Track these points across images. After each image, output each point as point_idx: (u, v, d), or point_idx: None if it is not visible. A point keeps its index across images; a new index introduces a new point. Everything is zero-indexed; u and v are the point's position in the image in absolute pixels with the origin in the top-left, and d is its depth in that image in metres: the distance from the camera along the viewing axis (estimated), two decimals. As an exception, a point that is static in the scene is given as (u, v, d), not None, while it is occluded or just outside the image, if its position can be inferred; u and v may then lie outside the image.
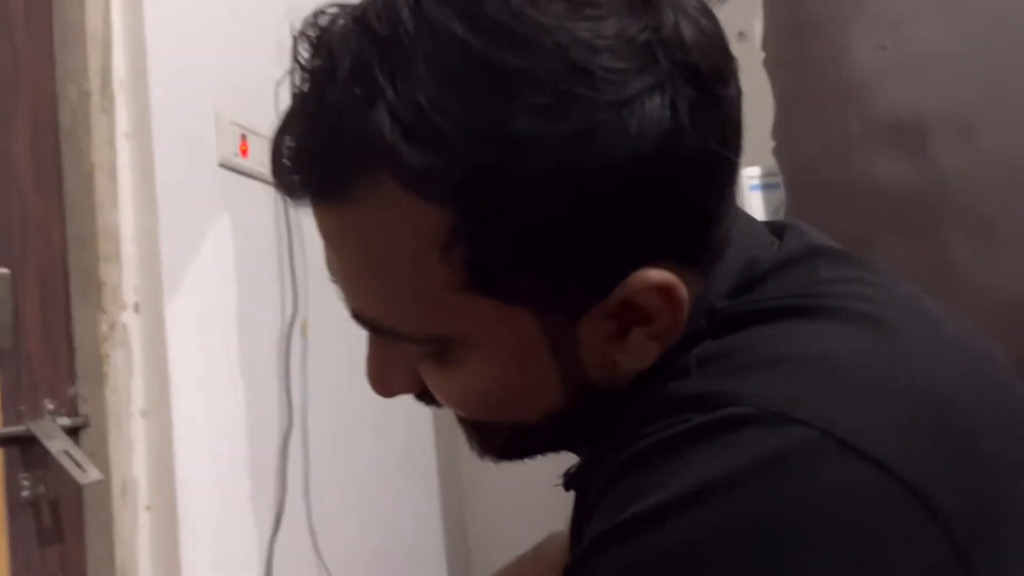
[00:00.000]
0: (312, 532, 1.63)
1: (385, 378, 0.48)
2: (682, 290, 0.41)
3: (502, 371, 0.44)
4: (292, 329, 1.67)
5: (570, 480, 0.55)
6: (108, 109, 1.37)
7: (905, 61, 1.54)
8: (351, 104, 0.39)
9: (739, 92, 0.43)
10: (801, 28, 1.68)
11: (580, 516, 0.52)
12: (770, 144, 1.67)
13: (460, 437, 1.93)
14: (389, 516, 1.90)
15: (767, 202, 1.77)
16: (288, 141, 0.43)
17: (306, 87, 0.42)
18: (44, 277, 1.31)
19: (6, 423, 1.21)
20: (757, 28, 1.74)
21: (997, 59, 1.41)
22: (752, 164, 1.72)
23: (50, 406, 1.28)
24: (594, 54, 0.38)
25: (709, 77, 0.40)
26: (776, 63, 1.66)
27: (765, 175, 1.79)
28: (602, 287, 0.41)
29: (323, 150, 0.41)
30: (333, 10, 0.42)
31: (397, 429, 2.02)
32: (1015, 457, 0.40)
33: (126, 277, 1.35)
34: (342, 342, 1.83)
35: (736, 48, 1.85)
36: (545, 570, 0.78)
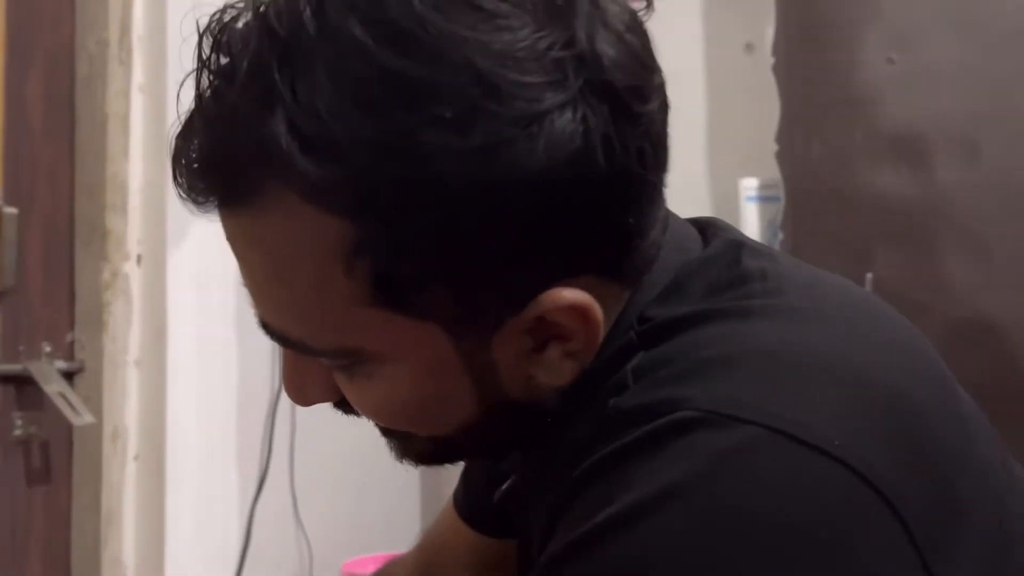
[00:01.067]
0: (294, 495, 1.65)
1: (302, 388, 0.47)
2: (596, 311, 0.41)
3: (415, 385, 0.43)
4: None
5: (504, 499, 0.55)
6: (125, 61, 1.39)
7: (913, 75, 1.56)
8: (248, 109, 0.38)
9: (663, 106, 0.42)
10: (813, 36, 1.70)
11: (525, 532, 0.52)
12: (771, 156, 1.70)
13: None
14: (369, 487, 1.93)
15: (762, 214, 1.80)
16: (190, 143, 0.40)
17: (207, 87, 0.40)
18: (49, 222, 1.33)
19: (5, 360, 1.23)
20: (767, 37, 1.77)
21: (1004, 78, 1.44)
22: (750, 175, 1.74)
23: (48, 349, 1.30)
24: (503, 68, 0.37)
25: (625, 94, 0.39)
26: (786, 69, 1.68)
27: (763, 187, 1.81)
28: (514, 305, 0.40)
29: (222, 156, 0.39)
30: (240, 5, 0.40)
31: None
32: (958, 442, 0.41)
33: (131, 228, 1.37)
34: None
35: (743, 60, 1.88)
36: None
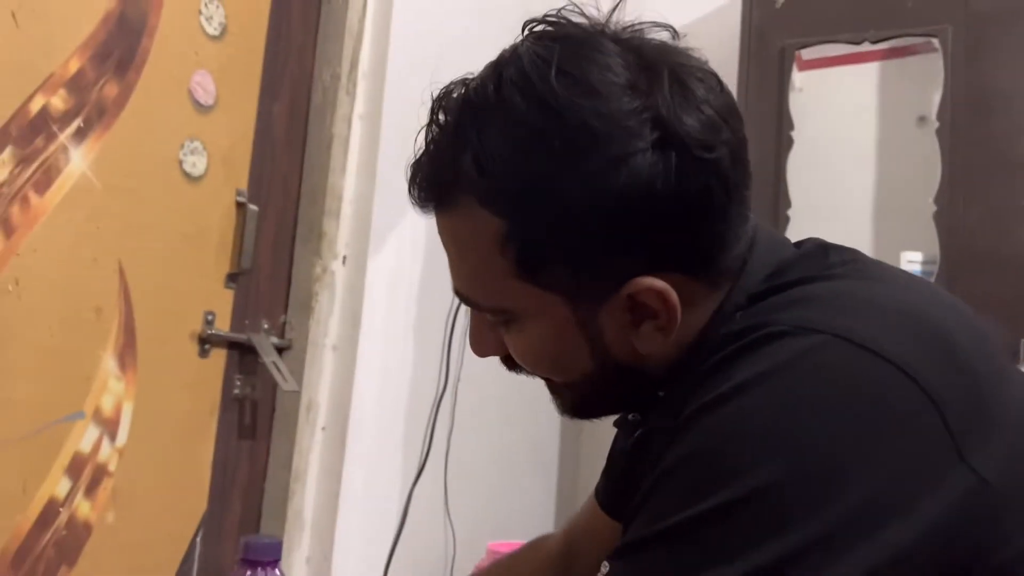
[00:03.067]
0: (446, 488, 1.82)
1: (480, 343, 0.65)
2: (673, 296, 0.56)
3: (546, 340, 0.60)
4: (460, 307, 1.88)
5: (625, 423, 0.70)
6: (351, 92, 1.63)
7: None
8: (452, 150, 0.58)
9: (733, 153, 0.57)
10: (979, 103, 1.76)
11: (647, 456, 0.65)
12: (935, 231, 1.74)
13: (581, 441, 2.10)
14: (510, 494, 2.07)
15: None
16: (418, 172, 0.61)
17: (430, 135, 0.61)
18: (279, 220, 1.57)
19: (233, 330, 1.47)
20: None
21: None
22: (914, 248, 1.77)
23: (266, 325, 1.53)
24: (604, 125, 0.54)
25: (693, 146, 0.55)
26: (950, 134, 1.74)
27: (926, 261, 1.83)
28: (612, 286, 0.57)
29: (435, 179, 0.60)
30: (457, 84, 0.61)
31: (529, 422, 2.19)
32: (992, 377, 0.52)
33: (341, 232, 1.60)
34: (497, 330, 2.03)
35: (914, 131, 1.93)
36: (539, 562, 0.89)
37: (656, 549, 0.49)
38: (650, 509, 0.51)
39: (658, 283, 0.56)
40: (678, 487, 0.50)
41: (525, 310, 0.60)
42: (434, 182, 0.60)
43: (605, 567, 0.52)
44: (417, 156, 0.61)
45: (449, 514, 1.84)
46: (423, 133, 0.61)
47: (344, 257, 1.61)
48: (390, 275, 1.66)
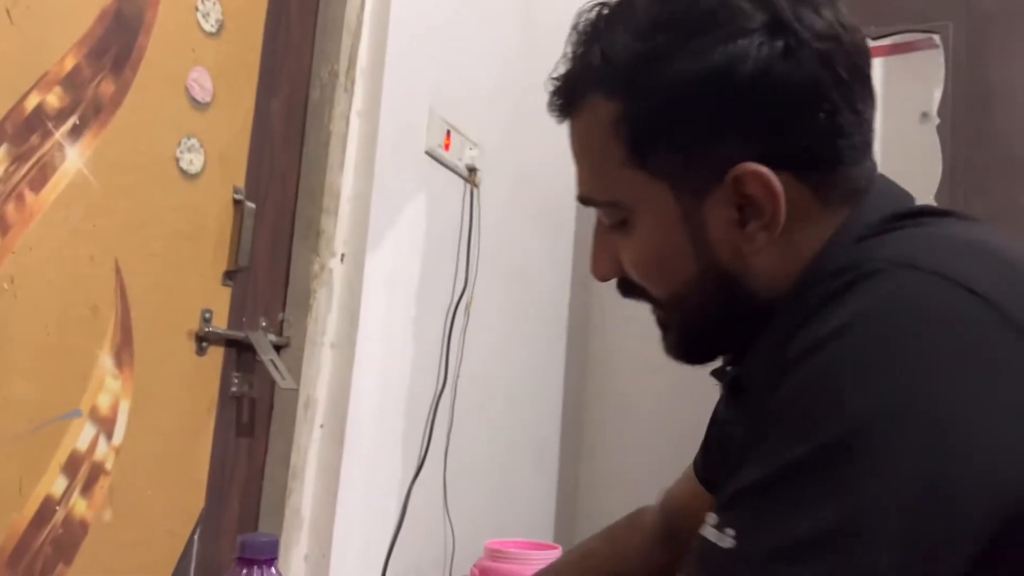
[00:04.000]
0: (445, 486, 1.82)
1: (599, 262, 0.67)
2: (776, 184, 0.57)
3: (653, 237, 0.62)
4: (458, 306, 1.88)
5: (724, 374, 0.70)
6: (349, 89, 1.63)
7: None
8: (581, 48, 0.63)
9: (845, 57, 0.58)
10: (982, 100, 1.76)
11: (739, 400, 0.66)
12: None
13: (583, 439, 2.11)
14: (510, 492, 2.07)
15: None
16: (554, 81, 0.65)
17: (568, 45, 0.64)
18: (277, 217, 1.57)
19: (231, 327, 1.46)
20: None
21: None
22: None
23: (263, 323, 1.53)
24: (720, 4, 0.57)
25: (804, 35, 0.57)
26: (951, 130, 1.74)
27: None
28: (717, 174, 0.58)
29: (566, 80, 0.64)
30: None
31: (530, 420, 2.19)
32: None
33: (339, 230, 1.60)
34: (496, 329, 2.03)
35: (917, 127, 1.94)
36: (642, 536, 0.90)
37: (761, 497, 0.50)
38: (754, 457, 0.51)
39: (762, 169, 0.57)
40: (780, 434, 0.50)
41: (635, 203, 0.62)
42: (566, 83, 0.63)
43: (712, 518, 0.52)
44: (556, 69, 0.65)
45: (448, 512, 1.84)
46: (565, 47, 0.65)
47: (342, 255, 1.61)
48: (388, 273, 1.65)
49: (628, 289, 0.67)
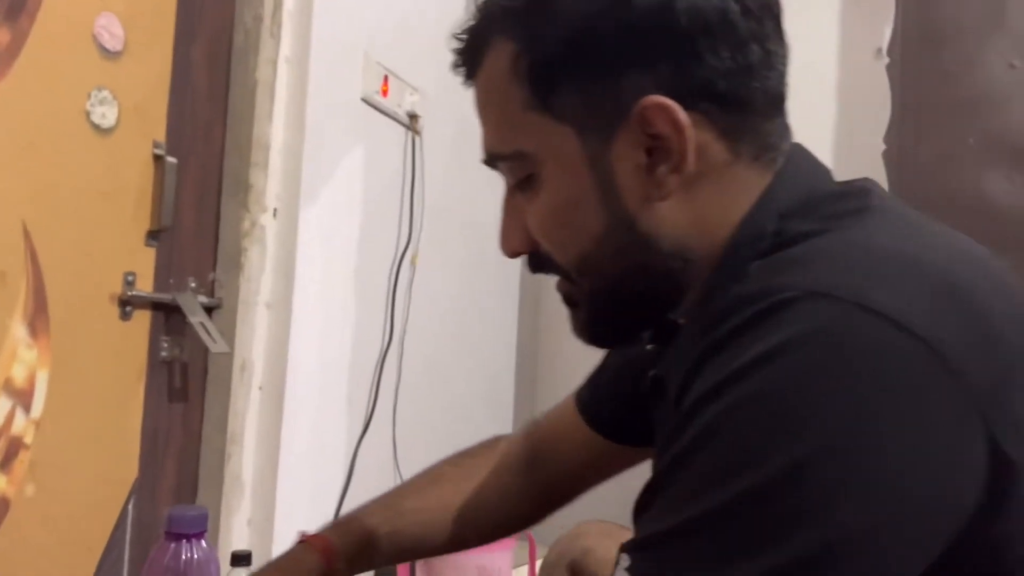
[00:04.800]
0: (394, 442, 1.79)
1: (508, 236, 0.62)
2: (681, 115, 0.53)
3: (559, 188, 0.57)
4: (403, 259, 1.82)
5: (652, 379, 0.65)
6: (275, 34, 1.54)
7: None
8: (482, 6, 0.59)
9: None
10: (931, 38, 1.71)
11: (663, 402, 0.62)
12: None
13: (537, 384, 2.07)
14: (465, 443, 2.05)
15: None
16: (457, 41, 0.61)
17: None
18: (202, 173, 1.49)
19: (157, 290, 1.39)
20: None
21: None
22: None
23: (193, 284, 1.46)
24: None
25: None
26: (900, 70, 1.70)
27: None
28: (622, 108, 0.54)
29: (468, 35, 0.60)
30: None
31: (483, 374, 2.16)
32: (1019, 340, 0.48)
33: (270, 184, 1.52)
34: (444, 281, 1.97)
35: (872, 64, 1.88)
36: (499, 462, 0.86)
37: (675, 544, 0.46)
38: (667, 499, 0.48)
39: (667, 101, 0.53)
40: (694, 476, 0.47)
41: (541, 151, 0.57)
42: (469, 38, 0.60)
43: (625, 560, 0.48)
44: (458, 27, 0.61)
45: (399, 470, 1.80)
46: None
47: (274, 210, 1.54)
48: (325, 228, 1.59)
49: (538, 264, 0.62)
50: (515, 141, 0.58)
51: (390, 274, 1.79)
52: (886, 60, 1.69)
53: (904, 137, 1.68)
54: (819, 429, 0.43)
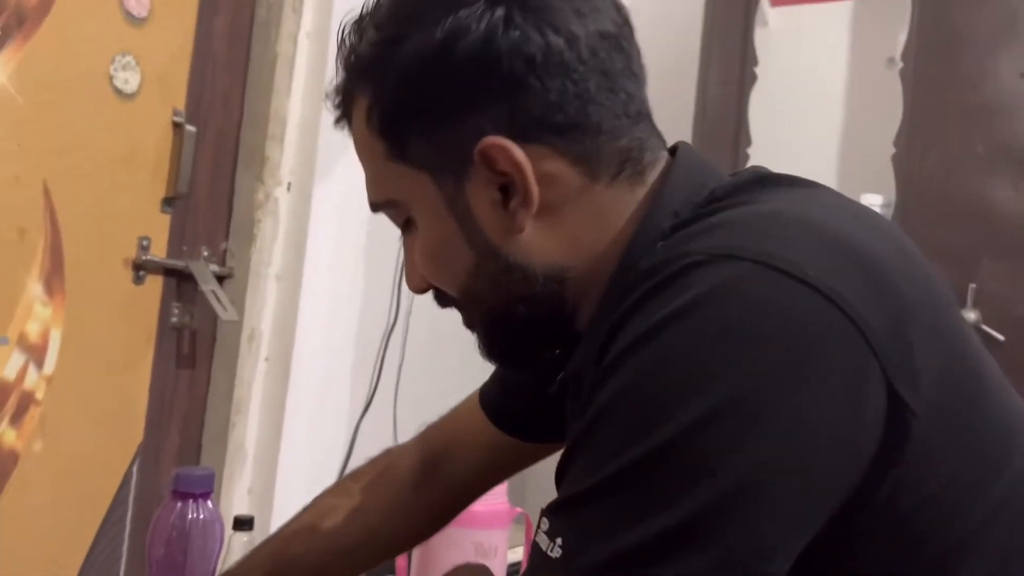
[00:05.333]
0: (395, 422, 1.80)
1: (409, 275, 0.64)
2: (517, 152, 0.55)
3: (429, 230, 0.59)
4: (412, 239, 1.84)
5: (561, 381, 0.66)
6: (297, 9, 1.55)
7: (1045, 93, 1.57)
8: (344, 52, 0.60)
9: (596, 31, 0.56)
10: (945, 45, 1.73)
11: (575, 399, 0.64)
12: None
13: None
14: (463, 427, 2.06)
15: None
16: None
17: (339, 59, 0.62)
18: (219, 143, 1.51)
19: (170, 256, 1.41)
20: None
21: None
22: (877, 191, 1.74)
23: (205, 252, 1.48)
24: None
25: (529, 2, 0.55)
26: (913, 76, 1.71)
27: (885, 205, 1.80)
28: (466, 151, 0.56)
29: (336, 90, 0.61)
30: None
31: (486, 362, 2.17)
32: (915, 294, 0.50)
33: (286, 157, 1.54)
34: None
35: (883, 73, 1.87)
36: (393, 478, 0.84)
37: (592, 503, 0.47)
38: (583, 460, 0.49)
39: (502, 140, 0.55)
40: (607, 436, 0.48)
41: (406, 198, 0.60)
42: (336, 92, 0.61)
43: (544, 523, 0.49)
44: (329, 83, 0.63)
45: (398, 447, 1.82)
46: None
47: (289, 184, 1.55)
48: (338, 203, 1.60)
49: (442, 298, 0.64)
50: (384, 191, 0.60)
51: (399, 252, 1.81)
52: (899, 65, 1.70)
53: (913, 142, 1.70)
54: (725, 382, 0.45)
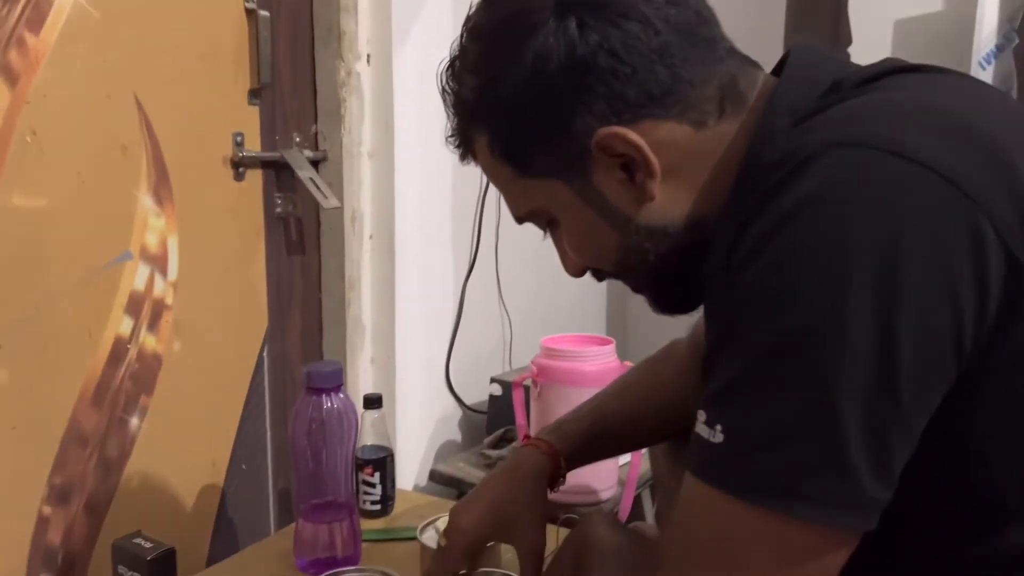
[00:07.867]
0: (498, 280, 1.84)
1: (567, 267, 0.72)
2: (631, 134, 0.60)
3: (573, 226, 0.67)
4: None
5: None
6: None
7: None
8: (449, 100, 0.68)
9: (640, 23, 0.60)
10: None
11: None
12: None
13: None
14: (561, 284, 2.09)
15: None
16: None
17: (446, 101, 0.70)
18: (294, 23, 1.46)
19: (264, 149, 1.42)
20: None
21: None
22: None
23: (297, 139, 1.48)
24: (513, 8, 0.62)
25: (590, 5, 0.60)
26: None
27: None
28: (583, 149, 0.62)
29: (453, 134, 0.70)
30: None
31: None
32: None
33: (361, 29, 1.49)
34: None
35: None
36: (676, 365, 0.94)
37: (746, 386, 0.51)
38: (732, 346, 0.53)
39: (613, 129, 0.60)
40: (751, 321, 0.51)
41: (545, 204, 0.66)
42: (455, 136, 0.69)
43: (702, 415, 0.54)
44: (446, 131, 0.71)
45: (504, 304, 1.87)
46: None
47: (368, 56, 1.51)
48: (418, 70, 1.56)
49: (598, 275, 0.71)
50: (524, 204, 0.68)
51: (484, 111, 1.77)
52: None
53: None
54: (863, 264, 0.48)
